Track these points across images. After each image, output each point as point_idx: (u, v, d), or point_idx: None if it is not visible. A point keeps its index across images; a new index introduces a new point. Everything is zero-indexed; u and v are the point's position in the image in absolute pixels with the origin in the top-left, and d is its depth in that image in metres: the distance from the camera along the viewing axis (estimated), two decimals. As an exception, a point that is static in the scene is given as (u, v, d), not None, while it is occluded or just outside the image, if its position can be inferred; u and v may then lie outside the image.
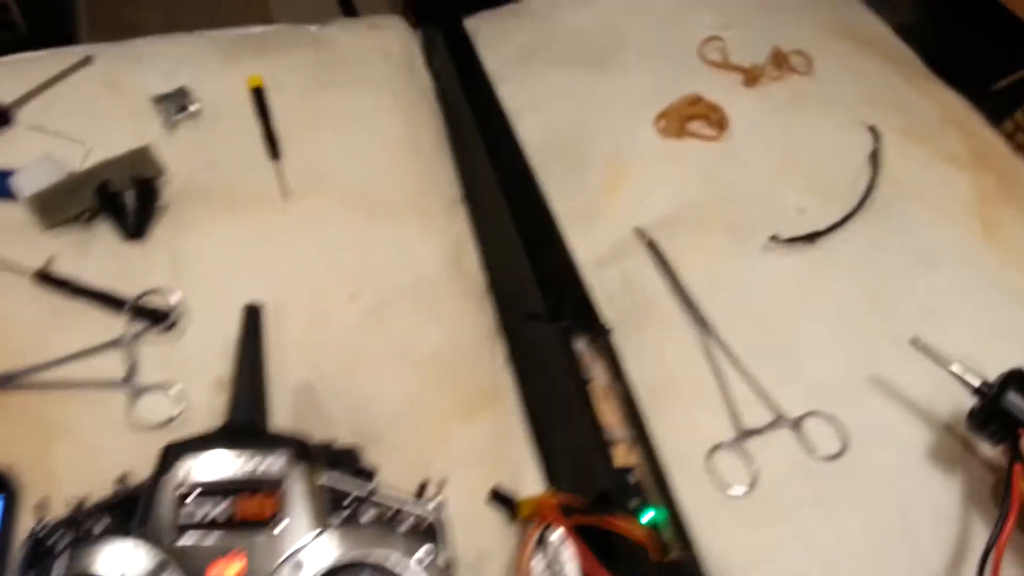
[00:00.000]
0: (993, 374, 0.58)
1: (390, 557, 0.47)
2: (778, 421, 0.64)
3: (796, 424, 0.64)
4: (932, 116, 0.89)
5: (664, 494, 0.59)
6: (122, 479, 0.51)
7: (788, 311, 0.72)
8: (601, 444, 0.59)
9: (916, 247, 0.77)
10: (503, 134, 0.83)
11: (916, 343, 0.61)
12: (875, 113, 0.87)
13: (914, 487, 0.62)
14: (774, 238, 0.74)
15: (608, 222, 0.78)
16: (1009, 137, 0.88)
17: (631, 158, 0.83)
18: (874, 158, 0.82)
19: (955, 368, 0.59)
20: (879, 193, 0.80)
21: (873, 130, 0.85)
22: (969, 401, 0.59)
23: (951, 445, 0.64)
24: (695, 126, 0.85)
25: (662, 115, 0.85)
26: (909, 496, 0.62)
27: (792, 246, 0.75)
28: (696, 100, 0.86)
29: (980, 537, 0.58)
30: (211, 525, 0.47)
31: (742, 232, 0.76)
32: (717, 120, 0.85)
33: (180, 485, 0.48)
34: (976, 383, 0.58)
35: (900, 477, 0.63)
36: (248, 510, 0.48)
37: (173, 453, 0.49)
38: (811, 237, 0.75)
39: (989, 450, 0.62)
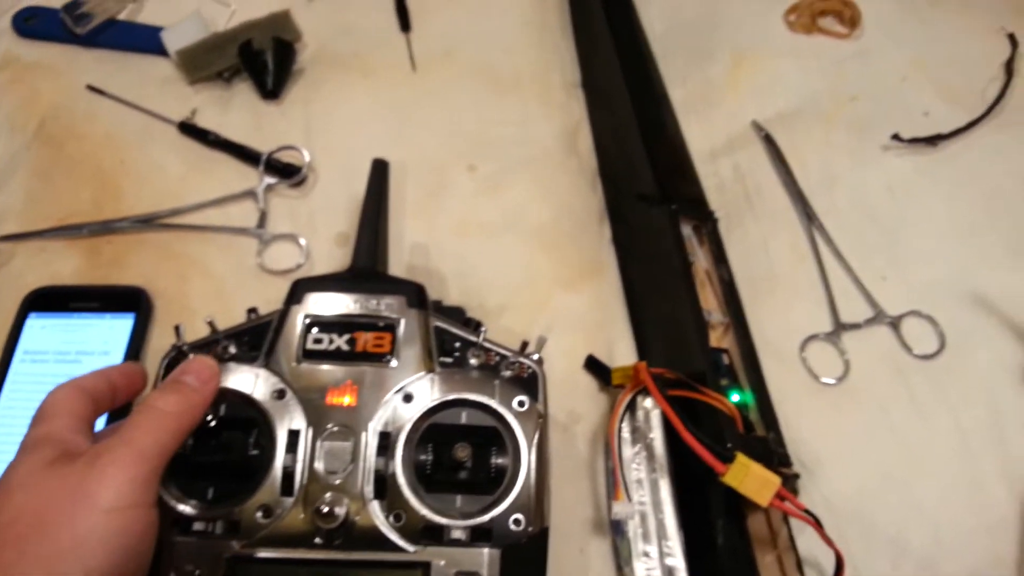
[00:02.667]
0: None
1: (491, 399, 0.51)
2: (877, 317, 0.65)
3: (895, 322, 0.64)
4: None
5: (755, 377, 0.61)
6: (252, 311, 0.55)
7: (900, 212, 0.71)
8: (699, 323, 0.61)
9: (1040, 162, 0.74)
10: (627, 20, 0.83)
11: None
12: (1016, 20, 0.82)
13: (1009, 397, 0.62)
14: (896, 137, 0.73)
15: (726, 114, 0.78)
16: None
17: (756, 52, 0.82)
18: (1009, 67, 0.79)
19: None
20: (1009, 103, 0.77)
21: (1012, 37, 0.81)
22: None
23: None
24: (826, 22, 0.83)
25: (793, 9, 0.83)
26: (1003, 405, 0.62)
27: (912, 147, 0.73)
28: (829, -5, 0.84)
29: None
30: (332, 355, 0.52)
31: (862, 131, 0.76)
32: (849, 17, 0.82)
33: (306, 317, 0.53)
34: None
35: (996, 386, 0.62)
36: (366, 344, 0.52)
37: (301, 288, 0.53)
38: (933, 139, 0.73)
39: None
